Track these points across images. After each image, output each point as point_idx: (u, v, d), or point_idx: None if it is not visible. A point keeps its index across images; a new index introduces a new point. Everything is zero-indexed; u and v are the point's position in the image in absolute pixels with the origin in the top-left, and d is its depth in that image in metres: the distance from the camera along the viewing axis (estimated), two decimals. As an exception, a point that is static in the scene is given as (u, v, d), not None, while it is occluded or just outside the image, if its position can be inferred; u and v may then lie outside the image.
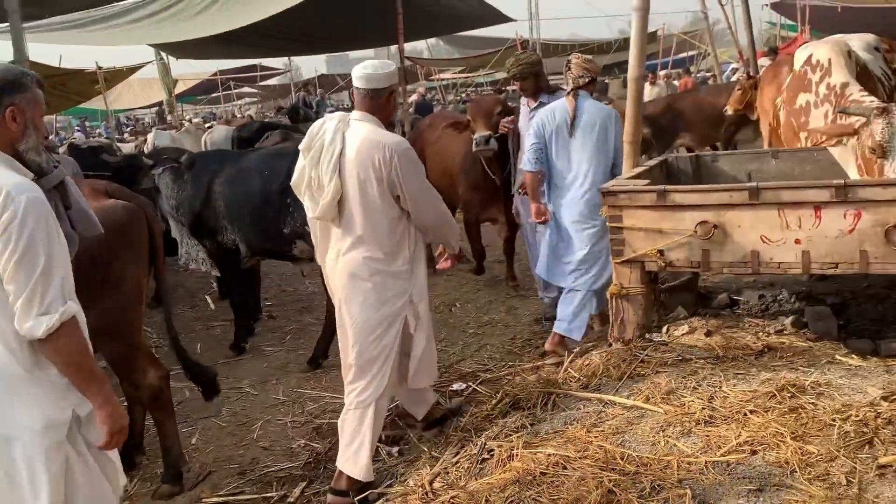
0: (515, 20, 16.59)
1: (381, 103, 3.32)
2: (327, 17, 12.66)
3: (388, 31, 12.92)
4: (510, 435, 3.25)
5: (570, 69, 4.55)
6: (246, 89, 33.58)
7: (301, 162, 3.39)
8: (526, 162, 4.64)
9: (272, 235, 5.40)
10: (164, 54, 18.24)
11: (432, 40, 29.94)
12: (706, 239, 3.55)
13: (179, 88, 27.27)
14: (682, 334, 4.05)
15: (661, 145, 10.54)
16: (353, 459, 3.40)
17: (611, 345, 4.46)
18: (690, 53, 30.62)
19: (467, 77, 35.24)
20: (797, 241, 3.39)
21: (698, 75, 26.03)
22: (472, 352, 5.43)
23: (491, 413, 3.81)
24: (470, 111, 6.00)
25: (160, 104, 26.98)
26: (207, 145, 11.00)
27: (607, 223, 3.80)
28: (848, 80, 4.33)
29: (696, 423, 2.92)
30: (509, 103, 6.15)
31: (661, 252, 3.67)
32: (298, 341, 6.00)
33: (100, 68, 16.03)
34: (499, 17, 15.03)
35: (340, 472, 3.45)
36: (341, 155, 3.24)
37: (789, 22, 25.56)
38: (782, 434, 2.72)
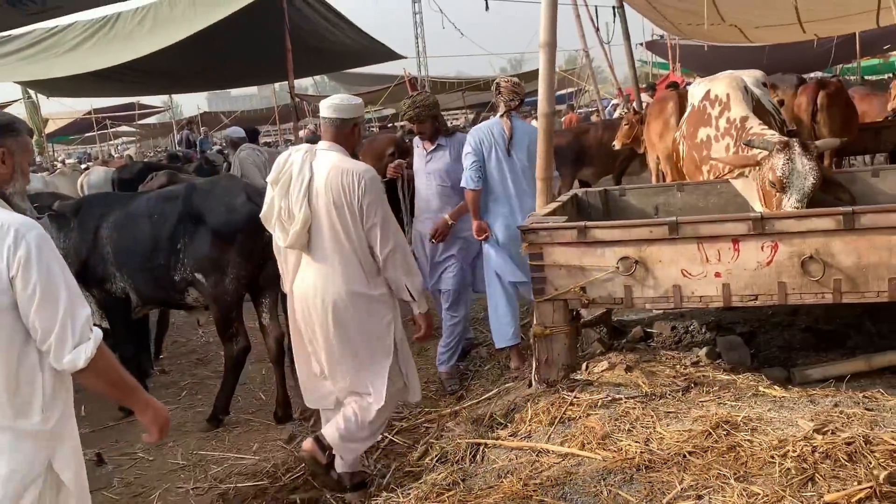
0: (406, 57, 16.63)
1: (346, 133, 3.50)
2: (210, 54, 12.23)
3: (275, 67, 12.63)
4: (442, 495, 3.04)
5: (500, 92, 4.87)
6: (123, 128, 32.14)
7: (270, 194, 3.50)
8: (468, 180, 4.74)
9: (163, 283, 5.04)
10: (32, 92, 17.17)
11: (318, 77, 29.70)
12: (628, 275, 3.49)
13: (50, 128, 25.82)
14: (602, 370, 3.98)
15: (565, 179, 10.73)
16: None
17: (530, 385, 4.38)
18: (570, 90, 31.88)
19: (356, 113, 35.20)
20: (717, 275, 3.39)
21: (580, 111, 27.01)
22: (385, 398, 5.18)
23: (415, 468, 3.60)
24: (361, 152, 5.62)
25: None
26: (85, 188, 10.27)
27: (528, 261, 3.69)
28: (747, 113, 4.45)
29: (637, 469, 2.81)
30: (407, 142, 5.96)
31: (583, 289, 3.59)
32: (196, 397, 5.58)
33: (-40, 107, 14.91)
34: (389, 55, 15.03)
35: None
36: (310, 183, 3.39)
37: (660, 59, 27.03)
38: (725, 476, 2.65)
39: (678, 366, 3.98)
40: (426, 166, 5.06)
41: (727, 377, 3.55)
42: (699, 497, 2.59)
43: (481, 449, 3.42)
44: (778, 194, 3.64)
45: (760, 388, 3.42)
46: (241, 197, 4.78)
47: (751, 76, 5.26)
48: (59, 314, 2.08)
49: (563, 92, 29.64)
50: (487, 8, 13.75)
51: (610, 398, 3.43)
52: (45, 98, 17.29)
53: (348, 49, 13.61)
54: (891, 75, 21.48)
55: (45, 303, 2.07)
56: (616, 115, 16.02)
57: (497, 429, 3.62)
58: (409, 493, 3.18)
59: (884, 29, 16.30)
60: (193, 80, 14.54)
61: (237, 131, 9.91)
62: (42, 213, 5.05)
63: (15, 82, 14.84)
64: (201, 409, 5.31)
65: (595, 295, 3.59)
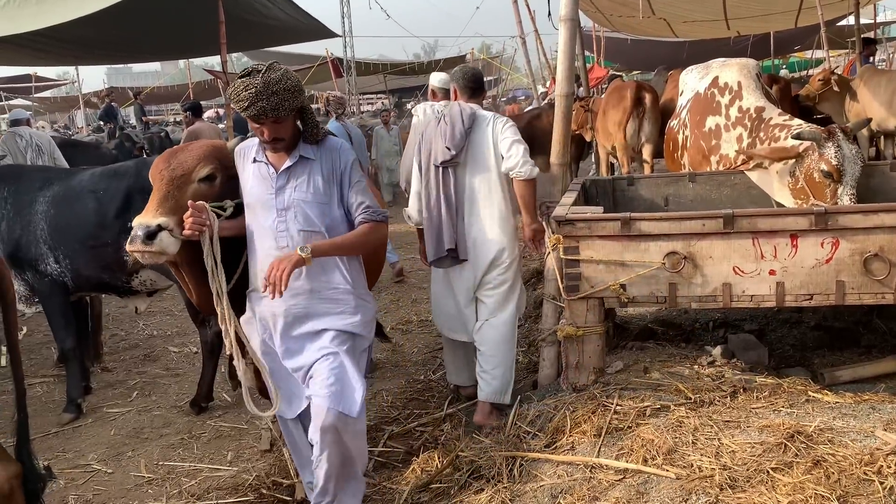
0: (340, 35, 15.97)
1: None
2: (135, 24, 11.27)
3: (204, 41, 11.80)
4: (493, 518, 2.69)
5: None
6: (19, 101, 29.85)
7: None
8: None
9: (109, 265, 4.52)
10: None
11: (235, 55, 28.50)
12: (675, 272, 3.22)
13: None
14: (617, 372, 3.73)
15: None
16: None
17: (535, 387, 4.08)
18: (489, 78, 31.85)
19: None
20: (772, 272, 3.17)
21: (502, 100, 27.02)
22: (367, 399, 4.76)
23: (442, 484, 3.23)
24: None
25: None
26: (-8, 163, 9.30)
27: (561, 255, 3.37)
28: (763, 103, 4.27)
29: (721, 489, 2.53)
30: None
31: (623, 287, 3.30)
32: (149, 398, 5.00)
33: None
34: (323, 32, 14.31)
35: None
36: None
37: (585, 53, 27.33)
38: (824, 496, 2.41)
39: (695, 366, 3.77)
40: (276, 198, 2.85)
41: (772, 381, 3.34)
42: (801, 521, 2.34)
43: (518, 462, 3.08)
44: (832, 185, 3.45)
45: (810, 394, 3.22)
46: None
47: (745, 66, 5.11)
48: None
49: (487, 79, 29.59)
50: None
51: (658, 406, 3.15)
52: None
53: (282, 24, 12.86)
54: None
55: None
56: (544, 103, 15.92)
57: (527, 438, 3.29)
58: (451, 519, 2.81)
59: (798, 29, 16.93)
60: (112, 52, 13.44)
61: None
62: None
63: None
64: (158, 411, 4.75)
65: (636, 293, 3.31)
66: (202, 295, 2.90)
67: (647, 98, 8.21)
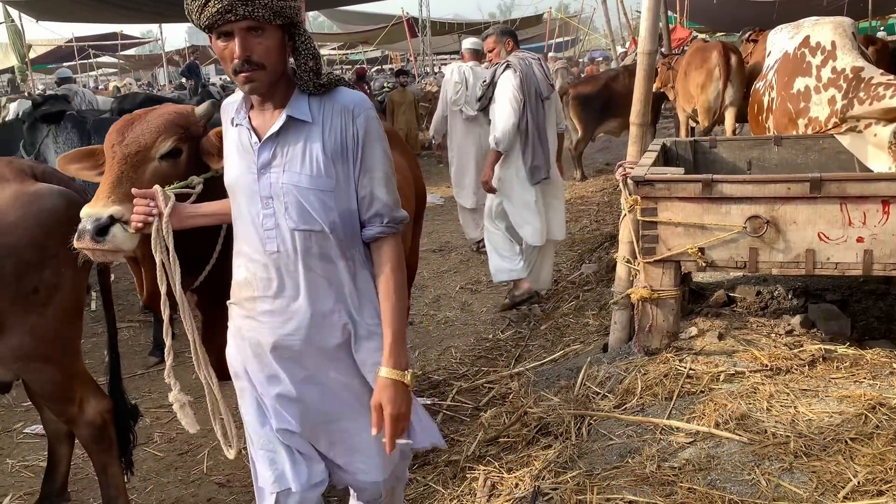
0: (415, -6, 15.92)
1: None
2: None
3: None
4: (561, 475, 2.71)
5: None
6: (106, 58, 30.89)
7: None
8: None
9: None
10: (16, 14, 16.22)
11: (312, 13, 28.71)
12: (756, 236, 3.14)
13: (31, 55, 24.70)
14: (691, 337, 3.67)
15: (585, 132, 10.26)
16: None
17: (605, 350, 4.06)
18: (566, 38, 31.20)
19: (345, 54, 34.26)
20: (859, 240, 3.05)
21: (580, 60, 26.42)
22: (436, 355, 4.85)
23: (509, 439, 3.27)
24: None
25: (8, 71, 24.27)
26: (84, 117, 9.71)
27: (638, 217, 3.32)
28: (861, 63, 4.07)
29: (795, 456, 2.49)
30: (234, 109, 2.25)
31: (701, 250, 3.23)
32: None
33: (-62, 27, 14.04)
34: (400, -10, 14.32)
35: None
36: None
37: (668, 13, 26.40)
38: (906, 469, 2.35)
39: (772, 334, 3.68)
40: (258, 180, 1.96)
41: (854, 352, 3.24)
42: (880, 493, 2.28)
43: (586, 421, 3.09)
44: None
45: (895, 366, 3.11)
46: None
47: (840, 25, 4.86)
48: None
49: (559, 39, 29.00)
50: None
51: (732, 372, 3.10)
52: (34, 22, 16.32)
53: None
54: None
55: None
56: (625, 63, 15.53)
57: (596, 399, 3.29)
58: (519, 470, 2.85)
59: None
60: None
61: None
62: None
63: (1, 1, 13.95)
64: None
65: (715, 257, 3.24)
66: (158, 293, 2.17)
67: (733, 59, 7.92)
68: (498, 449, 3.29)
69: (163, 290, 2.13)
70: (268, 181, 1.92)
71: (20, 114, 8.08)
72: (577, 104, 10.11)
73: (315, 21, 29.68)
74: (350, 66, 29.37)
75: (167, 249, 2.06)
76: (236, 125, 1.99)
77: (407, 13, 23.52)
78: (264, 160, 1.92)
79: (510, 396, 3.86)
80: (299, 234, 1.93)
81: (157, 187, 2.10)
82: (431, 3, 22.36)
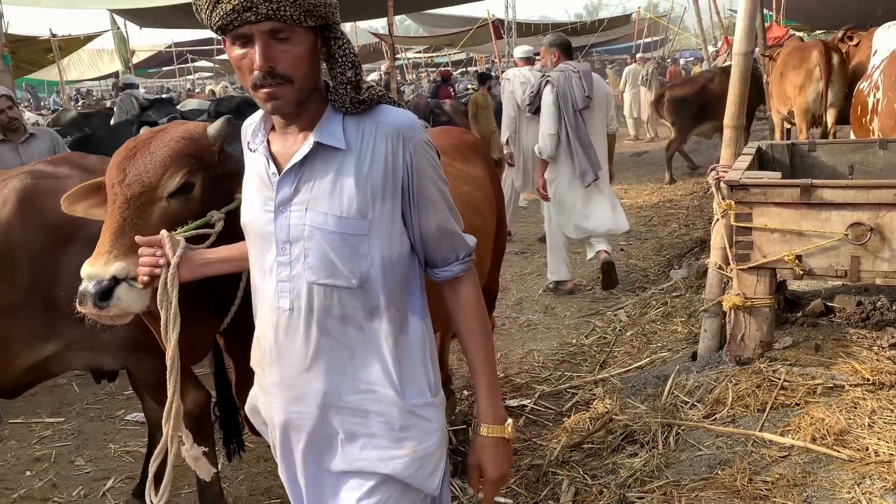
0: (502, -4, 15.93)
1: None
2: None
3: (369, 3, 12.15)
4: (646, 483, 2.67)
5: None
6: (202, 63, 32.16)
7: None
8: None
9: None
10: (122, 22, 17.09)
11: (398, 17, 29.09)
12: (859, 244, 3.00)
13: (133, 60, 25.95)
14: (785, 347, 3.54)
15: (679, 133, 10.10)
16: None
17: (694, 358, 3.96)
18: (655, 38, 30.53)
19: (430, 56, 34.56)
20: (973, 249, 2.88)
21: (667, 61, 25.83)
22: (519, 358, 4.83)
23: (594, 447, 3.23)
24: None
25: (113, 76, 25.58)
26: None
27: (731, 222, 3.22)
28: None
29: (899, 476, 2.37)
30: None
31: (798, 258, 3.11)
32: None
33: (54, 36, 14.92)
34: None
35: None
36: None
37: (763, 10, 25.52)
38: None
39: (874, 347, 3.50)
40: (275, 219, 1.58)
41: (965, 368, 3.05)
42: None
43: (674, 430, 3.03)
44: None
45: None
46: None
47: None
48: None
49: (648, 39, 28.41)
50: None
51: (831, 385, 2.98)
52: (138, 29, 17.16)
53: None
54: None
55: None
56: (718, 64, 15.10)
57: (684, 408, 3.22)
58: (604, 477, 2.82)
59: None
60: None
61: None
62: None
63: (108, 10, 14.72)
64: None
65: (813, 265, 3.12)
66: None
67: (835, 58, 7.58)
68: (582, 455, 3.26)
69: (169, 351, 1.75)
70: (286, 222, 1.55)
71: (128, 113, 8.62)
72: (671, 106, 10.10)
73: (401, 24, 30.04)
74: (434, 69, 29.61)
75: (171, 305, 1.70)
76: (253, 151, 1.64)
77: (493, 15, 23.53)
78: (284, 196, 1.55)
79: (594, 402, 3.82)
80: (319, 288, 1.55)
81: (163, 232, 1.74)
82: (518, 5, 22.30)
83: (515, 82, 7.28)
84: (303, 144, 1.54)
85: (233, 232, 1.85)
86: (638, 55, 20.43)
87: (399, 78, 25.89)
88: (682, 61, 22.90)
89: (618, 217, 5.75)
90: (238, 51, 1.47)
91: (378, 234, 1.55)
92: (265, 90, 1.46)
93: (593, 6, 74.53)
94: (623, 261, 6.64)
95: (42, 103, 25.27)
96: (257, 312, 1.67)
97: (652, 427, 3.05)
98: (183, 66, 30.10)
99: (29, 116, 13.04)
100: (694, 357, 4.00)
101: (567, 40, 5.93)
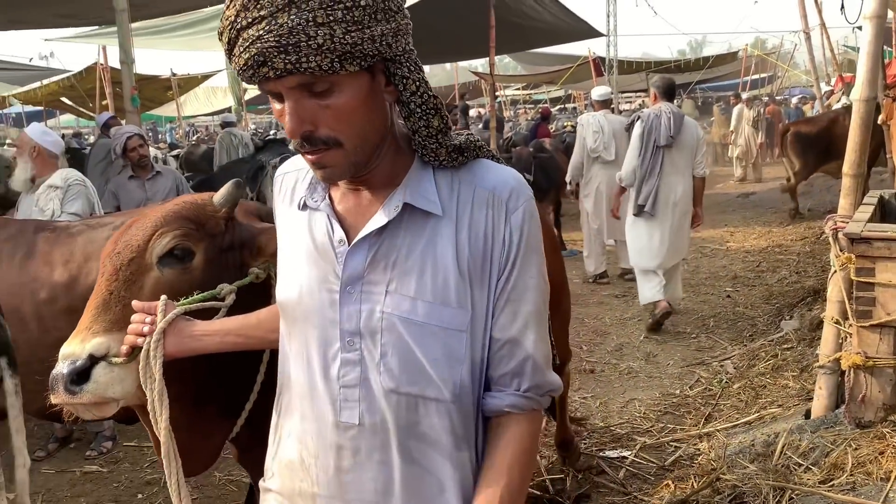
0: (605, 35, 15.89)
1: None
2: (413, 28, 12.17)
3: (473, 43, 12.35)
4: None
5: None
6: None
7: None
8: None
9: None
10: (237, 62, 17.99)
11: (498, 56, 29.39)
12: None
13: (245, 97, 27.27)
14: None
15: (802, 170, 10.03)
16: None
17: (807, 416, 3.76)
18: (763, 75, 29.63)
19: (529, 94, 34.72)
20: None
21: (776, 98, 25.03)
22: (619, 407, 4.71)
23: (695, 502, 3.11)
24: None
25: (226, 111, 26.96)
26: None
27: (851, 276, 3.07)
28: None
29: None
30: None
31: (926, 317, 2.93)
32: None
33: (174, 75, 15.90)
34: (589, 32, 14.39)
35: None
36: None
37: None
38: None
39: None
40: (340, 305, 1.19)
41: None
42: None
43: (787, 495, 2.88)
44: None
45: None
46: None
47: None
48: None
49: (755, 76, 27.61)
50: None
51: (964, 455, 2.77)
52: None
53: (549, 26, 13.09)
54: None
55: None
56: (835, 103, 14.51)
57: (797, 471, 3.06)
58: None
59: None
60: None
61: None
62: None
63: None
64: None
65: (942, 325, 2.93)
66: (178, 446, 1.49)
67: (967, 98, 7.16)
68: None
69: (162, 438, 1.43)
70: (357, 307, 1.18)
71: (227, 151, 9.32)
72: (794, 143, 10.27)
73: (500, 62, 30.38)
74: (532, 105, 29.65)
75: (155, 381, 1.39)
76: (305, 208, 1.25)
77: (594, 53, 23.45)
78: (354, 272, 1.18)
79: (699, 458, 3.68)
80: (401, 399, 1.18)
81: (162, 298, 1.47)
82: (619, 43, 22.18)
83: (588, 129, 7.61)
84: (383, 205, 1.17)
85: (247, 312, 1.51)
86: (744, 95, 19.89)
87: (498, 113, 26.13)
88: (793, 100, 22.08)
89: (665, 261, 5.93)
90: (276, 105, 1.12)
91: (475, 330, 1.18)
92: (309, 157, 1.13)
93: (697, 43, 73.28)
94: (729, 308, 6.42)
95: (160, 136, 26.86)
96: (298, 425, 1.26)
97: (763, 489, 2.92)
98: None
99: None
100: (807, 415, 3.80)
101: (670, 82, 6.19)
